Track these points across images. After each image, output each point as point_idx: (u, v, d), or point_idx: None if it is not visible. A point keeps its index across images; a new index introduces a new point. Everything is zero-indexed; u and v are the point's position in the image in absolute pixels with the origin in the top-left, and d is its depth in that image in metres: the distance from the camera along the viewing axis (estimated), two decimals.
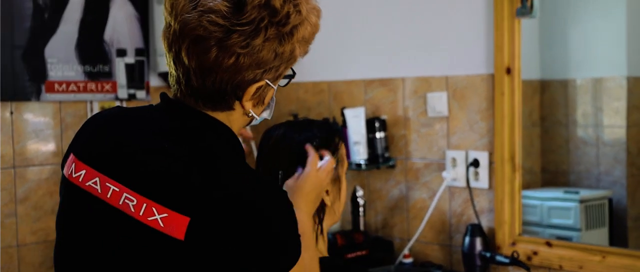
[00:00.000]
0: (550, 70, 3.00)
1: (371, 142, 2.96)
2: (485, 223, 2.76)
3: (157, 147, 1.36)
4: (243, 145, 1.49)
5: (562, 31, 2.97)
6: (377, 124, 2.96)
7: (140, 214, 1.31)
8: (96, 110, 3.13)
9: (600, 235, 2.84)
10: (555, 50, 2.98)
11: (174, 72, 1.40)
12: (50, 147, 3.05)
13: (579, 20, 2.94)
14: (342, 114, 2.96)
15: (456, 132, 2.82)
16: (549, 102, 2.99)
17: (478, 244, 2.68)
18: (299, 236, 1.37)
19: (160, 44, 3.15)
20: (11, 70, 2.93)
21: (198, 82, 1.36)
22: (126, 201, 1.33)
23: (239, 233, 1.29)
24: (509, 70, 2.65)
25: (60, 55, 3.04)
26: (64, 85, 3.05)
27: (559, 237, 2.77)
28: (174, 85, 1.42)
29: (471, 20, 2.76)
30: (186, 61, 1.35)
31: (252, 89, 1.37)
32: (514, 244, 2.68)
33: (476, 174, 2.77)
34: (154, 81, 3.33)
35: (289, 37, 1.36)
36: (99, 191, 1.36)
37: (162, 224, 1.30)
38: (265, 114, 1.49)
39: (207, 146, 1.37)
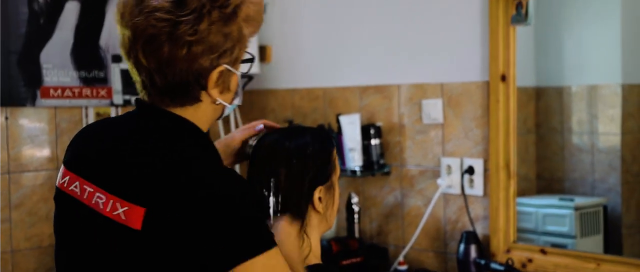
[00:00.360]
0: (546, 77, 3.00)
1: (366, 148, 2.97)
2: (480, 230, 2.76)
3: (124, 148, 1.45)
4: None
5: (557, 39, 2.97)
6: (372, 131, 2.96)
7: (108, 210, 1.40)
8: (91, 115, 3.13)
9: (595, 242, 2.84)
10: (550, 57, 2.99)
11: (137, 77, 1.47)
12: (45, 152, 3.04)
13: (573, 27, 2.94)
14: (338, 121, 2.97)
15: (451, 139, 2.83)
16: (544, 109, 3.00)
17: (473, 251, 2.68)
18: (264, 222, 1.41)
19: None
20: (7, 75, 2.93)
21: (161, 81, 1.43)
22: (97, 199, 1.42)
23: (195, 218, 1.34)
24: (504, 78, 2.66)
25: (56, 61, 3.04)
26: (59, 91, 3.05)
27: (554, 245, 2.77)
28: (141, 91, 1.49)
29: (466, 27, 2.77)
30: (145, 62, 1.42)
31: (214, 75, 1.43)
32: (508, 251, 2.69)
33: (471, 181, 2.78)
34: None
35: (233, 17, 1.42)
36: (79, 193, 1.46)
37: (123, 217, 1.37)
38: (237, 101, 1.55)
39: (168, 141, 1.44)
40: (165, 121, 1.47)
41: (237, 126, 3.46)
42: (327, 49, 3.21)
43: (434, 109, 2.86)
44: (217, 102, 1.48)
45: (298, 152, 1.72)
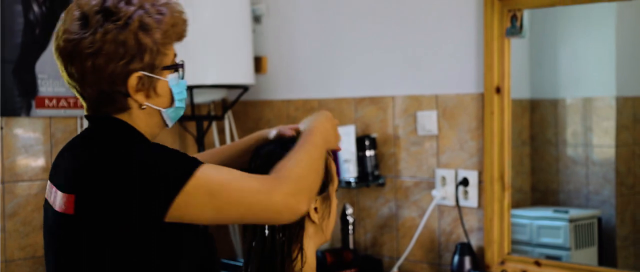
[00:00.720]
0: (540, 89, 3.01)
1: (361, 160, 2.97)
2: (474, 242, 2.76)
3: (71, 152, 1.68)
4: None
5: (552, 51, 2.98)
6: (367, 142, 2.96)
7: (57, 204, 1.62)
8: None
9: (590, 254, 2.84)
10: (545, 70, 2.99)
11: (78, 94, 1.67)
12: (39, 162, 3.04)
13: (568, 40, 2.95)
14: None
15: (446, 150, 2.83)
16: (539, 122, 3.00)
17: (467, 263, 2.68)
18: (183, 157, 1.57)
19: None
20: (2, 85, 2.93)
21: (85, 92, 1.63)
22: (54, 197, 1.64)
23: (116, 188, 1.53)
24: (498, 90, 2.66)
25: (51, 71, 3.04)
26: (54, 101, 3.05)
27: (549, 257, 2.77)
28: (84, 106, 1.68)
29: (461, 39, 2.78)
30: (70, 79, 1.64)
31: (132, 81, 1.60)
32: (503, 263, 2.69)
33: (466, 192, 2.78)
34: None
35: (125, 27, 1.58)
36: (51, 199, 1.66)
37: (64, 207, 1.59)
38: (178, 103, 1.68)
39: (100, 139, 1.64)
40: (99, 124, 1.66)
41: (232, 136, 3.46)
42: (322, 60, 3.22)
43: (428, 120, 2.86)
44: (143, 106, 1.63)
45: None
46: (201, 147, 3.31)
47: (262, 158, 1.75)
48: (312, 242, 1.77)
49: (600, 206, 2.87)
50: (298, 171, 1.60)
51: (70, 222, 1.58)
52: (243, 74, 3.19)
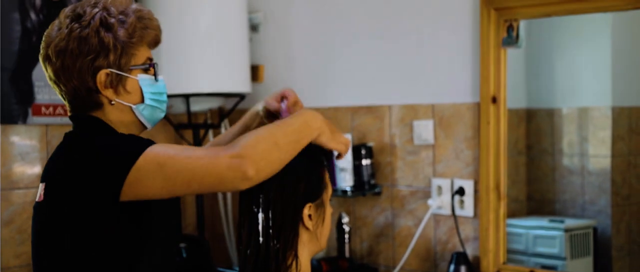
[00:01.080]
0: (536, 99, 3.01)
1: (357, 169, 2.97)
2: (470, 251, 2.76)
3: (55, 151, 1.81)
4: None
5: (548, 61, 2.99)
6: (363, 151, 2.97)
7: (39, 196, 1.76)
8: None
9: (585, 264, 2.84)
10: (541, 79, 3.00)
11: (58, 94, 1.81)
12: (36, 170, 3.04)
13: (564, 50, 2.96)
14: None
15: (442, 160, 2.84)
16: (535, 131, 3.01)
17: None
18: (138, 142, 1.67)
19: None
20: None
21: (63, 91, 1.77)
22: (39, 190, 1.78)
23: (74, 170, 1.67)
24: (494, 99, 2.67)
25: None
26: (50, 109, 3.05)
27: (544, 266, 2.77)
28: (69, 107, 1.81)
29: (457, 49, 2.78)
30: (50, 81, 1.79)
31: (101, 77, 1.73)
32: None
33: (461, 202, 2.78)
34: None
35: (87, 26, 1.73)
36: (39, 196, 1.78)
37: (39, 196, 1.75)
38: (149, 101, 1.78)
39: (73, 133, 1.79)
40: (77, 121, 1.80)
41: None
42: (319, 68, 3.22)
43: (425, 129, 2.87)
44: (113, 102, 1.75)
45: (288, 169, 1.72)
46: None
47: None
48: (307, 250, 1.77)
49: (596, 216, 2.88)
50: (251, 141, 1.64)
51: (42, 209, 1.73)
52: (240, 83, 3.19)
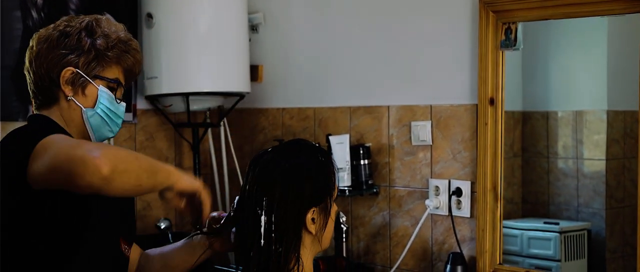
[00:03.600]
0: (533, 102, 3.02)
1: (355, 169, 2.98)
2: (466, 252, 2.78)
3: None
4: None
5: (544, 64, 3.00)
6: (361, 151, 2.98)
7: None
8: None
9: (579, 266, 2.86)
10: (537, 82, 3.01)
11: (29, 86, 1.86)
12: None
13: (561, 54, 2.97)
14: (327, 141, 2.99)
15: (439, 161, 2.85)
16: (531, 134, 3.02)
17: None
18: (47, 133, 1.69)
19: (148, 67, 3.17)
20: (0, 90, 2.94)
21: (31, 79, 1.83)
22: None
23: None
24: (492, 101, 2.68)
25: None
26: None
27: (539, 267, 2.78)
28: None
29: (456, 51, 2.80)
30: (25, 70, 1.85)
31: (65, 73, 1.79)
32: None
33: (458, 202, 2.80)
34: (141, 104, 3.35)
35: (73, 26, 1.82)
36: None
37: None
38: (99, 110, 1.83)
39: (16, 130, 1.80)
40: (30, 121, 1.86)
41: (227, 143, 3.47)
42: (318, 69, 3.24)
43: (423, 130, 2.88)
44: (69, 98, 1.81)
45: (293, 173, 1.72)
46: (197, 153, 3.32)
47: (260, 167, 1.75)
48: (309, 251, 1.76)
49: (590, 219, 2.89)
50: (114, 147, 1.74)
51: None
52: (239, 82, 3.21)
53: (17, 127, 1.84)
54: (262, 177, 1.73)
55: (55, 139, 1.66)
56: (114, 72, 1.85)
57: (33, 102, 1.87)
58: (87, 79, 1.82)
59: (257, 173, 1.74)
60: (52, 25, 1.86)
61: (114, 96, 1.86)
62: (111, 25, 1.87)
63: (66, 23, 1.84)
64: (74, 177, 1.55)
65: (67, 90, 1.81)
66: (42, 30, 1.85)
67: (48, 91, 1.82)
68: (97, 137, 1.87)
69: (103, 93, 1.84)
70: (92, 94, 1.83)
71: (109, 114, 1.85)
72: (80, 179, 1.54)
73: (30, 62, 1.83)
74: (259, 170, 1.74)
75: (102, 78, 1.83)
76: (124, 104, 1.89)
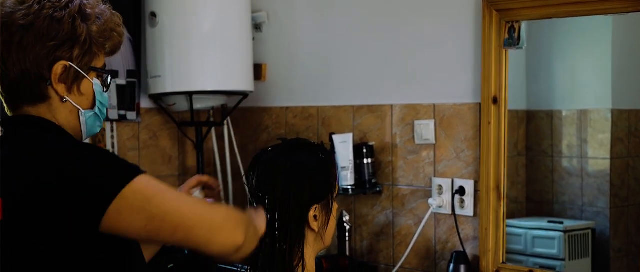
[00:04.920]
0: (537, 101, 3.03)
1: (358, 167, 2.99)
2: (469, 250, 2.78)
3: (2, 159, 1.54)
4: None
5: (548, 63, 3.00)
6: (364, 150, 2.98)
7: None
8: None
9: (584, 265, 2.86)
10: (541, 81, 3.01)
11: None
12: None
13: (565, 53, 2.97)
14: (331, 140, 2.99)
15: (443, 160, 2.86)
16: (535, 133, 3.02)
17: (462, 271, 2.70)
18: (119, 161, 1.49)
19: (152, 66, 3.17)
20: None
21: (6, 71, 1.53)
22: None
23: (44, 191, 1.43)
24: (495, 100, 2.69)
25: None
26: None
27: (543, 267, 2.78)
28: (5, 106, 1.60)
29: (459, 50, 2.80)
30: None
31: (58, 69, 1.54)
32: (498, 271, 2.71)
33: (462, 201, 2.80)
34: (145, 103, 3.35)
35: (64, 8, 1.54)
36: None
37: None
38: (97, 110, 1.63)
39: (16, 141, 1.53)
40: (20, 123, 1.57)
41: (230, 142, 3.48)
42: (321, 68, 3.24)
43: (426, 129, 2.89)
44: (65, 99, 1.57)
45: (294, 171, 1.73)
46: (200, 152, 3.33)
47: (263, 165, 1.76)
48: (312, 249, 1.78)
49: (594, 218, 2.89)
50: (241, 216, 1.58)
51: (4, 228, 1.47)
52: (243, 81, 3.21)
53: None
54: (263, 176, 1.74)
55: (156, 186, 1.46)
56: (101, 58, 1.62)
57: (6, 100, 1.59)
58: (81, 73, 1.58)
59: (258, 172, 1.75)
60: (34, 7, 1.53)
61: (101, 86, 1.64)
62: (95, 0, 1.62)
63: (51, 5, 1.54)
64: (202, 244, 1.47)
65: (61, 89, 1.57)
66: (19, 13, 1.52)
67: (34, 88, 1.55)
68: (88, 135, 1.65)
69: (97, 87, 1.62)
70: (88, 91, 1.61)
71: (101, 109, 1.65)
72: (215, 246, 1.48)
73: (6, 52, 1.53)
74: (260, 169, 1.75)
75: (94, 69, 1.61)
76: (107, 94, 1.68)
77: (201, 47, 3.12)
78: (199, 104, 3.24)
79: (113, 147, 3.23)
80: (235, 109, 3.38)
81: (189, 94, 3.16)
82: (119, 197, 1.41)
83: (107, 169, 1.46)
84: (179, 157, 3.51)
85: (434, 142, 2.87)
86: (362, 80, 3.10)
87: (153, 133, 3.40)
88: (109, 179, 1.44)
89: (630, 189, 2.84)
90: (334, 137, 2.99)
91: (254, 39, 3.38)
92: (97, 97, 1.63)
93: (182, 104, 3.25)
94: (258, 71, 3.39)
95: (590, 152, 2.94)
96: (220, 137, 3.52)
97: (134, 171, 1.46)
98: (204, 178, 1.91)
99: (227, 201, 3.52)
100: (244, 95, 3.31)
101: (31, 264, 1.47)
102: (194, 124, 3.30)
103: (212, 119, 3.40)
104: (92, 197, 1.42)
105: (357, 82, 3.12)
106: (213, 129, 3.50)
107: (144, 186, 1.44)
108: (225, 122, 3.45)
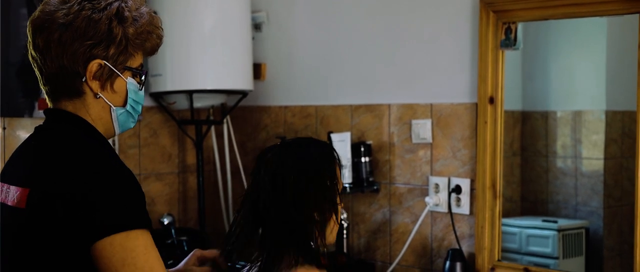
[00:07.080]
0: (532, 101, 3.04)
1: (356, 166, 3.00)
2: (465, 248, 2.80)
3: (24, 148, 1.72)
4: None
5: (544, 64, 3.01)
6: (362, 149, 3.00)
7: (8, 198, 1.63)
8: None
9: (577, 264, 2.87)
10: (537, 82, 3.02)
11: (41, 85, 1.70)
12: None
13: (560, 54, 2.98)
14: (329, 138, 3.00)
15: (439, 158, 2.88)
16: (530, 133, 3.03)
17: (458, 269, 2.72)
18: (135, 203, 1.56)
19: (153, 64, 3.19)
20: (5, 86, 2.96)
21: (46, 66, 1.64)
22: (5, 193, 1.65)
23: (67, 195, 1.52)
24: (492, 100, 2.71)
25: None
26: None
27: (537, 265, 2.79)
28: (47, 98, 1.71)
29: (456, 50, 2.82)
30: (33, 51, 1.66)
31: (93, 66, 1.63)
32: (493, 269, 2.73)
33: (458, 200, 2.82)
34: (146, 101, 3.36)
35: (102, 10, 1.63)
36: (1, 195, 1.67)
37: (16, 201, 1.60)
38: (130, 107, 1.70)
39: (51, 135, 1.66)
40: (56, 117, 1.69)
41: (230, 140, 3.50)
42: (320, 67, 3.25)
43: (423, 128, 2.91)
44: (98, 96, 1.66)
45: (299, 169, 1.74)
46: (200, 150, 3.35)
47: (269, 166, 1.76)
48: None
49: (588, 217, 2.90)
50: None
51: (22, 217, 1.58)
52: (242, 80, 3.23)
53: (37, 125, 1.72)
54: (268, 175, 1.75)
55: (138, 254, 1.52)
56: (138, 59, 1.70)
57: (47, 93, 1.70)
58: (115, 71, 1.66)
59: (263, 171, 1.76)
60: (74, 8, 1.63)
61: (139, 85, 1.72)
62: (137, 2, 1.70)
63: (90, 6, 1.63)
64: None
65: (95, 85, 1.65)
66: (61, 12, 1.62)
67: (70, 83, 1.65)
68: (122, 131, 1.74)
69: (131, 85, 1.69)
70: (121, 89, 1.68)
71: (135, 106, 1.72)
72: None
73: (46, 48, 1.63)
74: (265, 168, 1.75)
75: (129, 68, 1.68)
76: (142, 92, 1.75)
77: (201, 47, 3.14)
78: (199, 103, 3.25)
79: (113, 144, 3.24)
80: (235, 107, 3.39)
81: (189, 93, 3.17)
82: (107, 240, 1.51)
83: (116, 205, 1.54)
84: (178, 155, 3.52)
85: (430, 141, 2.90)
86: (360, 79, 3.12)
87: (153, 131, 3.41)
88: (112, 217, 1.52)
89: (623, 189, 2.84)
90: (332, 135, 3.00)
91: (253, 38, 3.40)
92: (130, 95, 1.70)
93: (182, 103, 3.26)
94: (257, 70, 3.41)
95: (584, 153, 2.95)
96: (219, 136, 3.54)
97: (137, 222, 1.54)
98: (206, 253, 1.94)
99: (226, 199, 3.54)
100: (243, 94, 3.33)
101: (31, 263, 1.57)
102: (194, 122, 3.32)
103: (211, 118, 3.42)
104: (89, 223, 1.51)
105: (355, 82, 3.14)
106: (213, 127, 3.52)
107: (131, 243, 1.52)
108: (225, 120, 3.46)
